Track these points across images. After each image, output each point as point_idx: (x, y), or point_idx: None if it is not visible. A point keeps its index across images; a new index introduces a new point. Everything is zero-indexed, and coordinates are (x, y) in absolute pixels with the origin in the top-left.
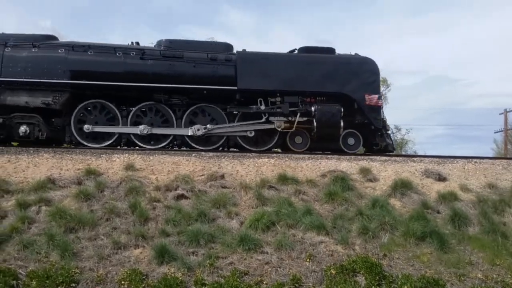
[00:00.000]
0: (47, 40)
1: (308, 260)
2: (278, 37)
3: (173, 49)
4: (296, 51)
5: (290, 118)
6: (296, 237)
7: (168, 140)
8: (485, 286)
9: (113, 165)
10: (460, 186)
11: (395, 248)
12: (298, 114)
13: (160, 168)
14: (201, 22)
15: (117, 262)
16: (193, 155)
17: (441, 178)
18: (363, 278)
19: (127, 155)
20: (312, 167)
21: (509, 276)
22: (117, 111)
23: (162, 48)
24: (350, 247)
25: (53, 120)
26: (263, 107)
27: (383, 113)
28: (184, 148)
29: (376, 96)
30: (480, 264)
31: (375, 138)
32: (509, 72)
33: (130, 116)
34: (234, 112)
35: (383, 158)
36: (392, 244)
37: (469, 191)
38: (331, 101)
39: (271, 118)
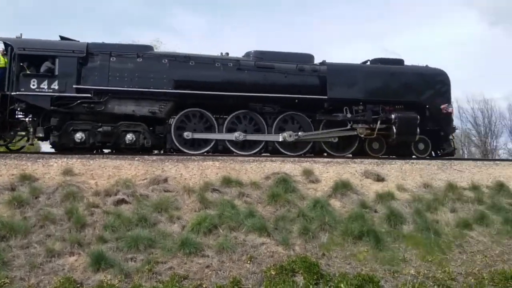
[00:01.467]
0: (147, 50)
1: (248, 262)
2: (230, 40)
3: (264, 60)
4: (368, 62)
5: (371, 125)
6: (238, 239)
7: (260, 146)
8: (417, 282)
9: (49, 170)
10: (397, 186)
11: (334, 247)
12: (379, 122)
13: (101, 172)
14: (150, 24)
15: (50, 270)
16: (136, 159)
17: (379, 179)
18: (302, 278)
19: (65, 159)
20: (256, 170)
21: (440, 271)
22: (213, 119)
23: (252, 59)
24: (290, 248)
25: (155, 128)
26: (348, 115)
27: (453, 120)
28: (267, 154)
29: (448, 105)
30: (413, 261)
31: (443, 144)
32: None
33: (225, 124)
34: (321, 119)
35: (326, 160)
36: (331, 244)
37: (405, 191)
38: (408, 109)
39: (354, 125)
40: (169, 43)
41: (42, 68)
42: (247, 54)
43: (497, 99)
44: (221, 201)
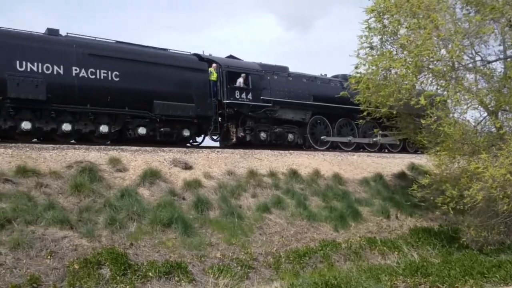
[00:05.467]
0: (288, 71)
1: (49, 257)
2: (24, 16)
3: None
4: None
5: None
6: (35, 233)
7: (354, 146)
8: (222, 264)
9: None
10: (204, 174)
11: (142, 236)
12: None
13: None
14: None
15: None
16: None
17: (187, 167)
18: (108, 269)
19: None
20: (57, 158)
21: (243, 253)
22: (329, 124)
23: (340, 79)
24: (96, 240)
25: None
26: None
27: None
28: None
29: None
30: (219, 245)
31: None
32: None
33: (335, 127)
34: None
35: (134, 148)
36: (139, 233)
37: (212, 178)
38: None
39: None
40: None
41: (237, 83)
42: (336, 76)
43: None
44: (15, 193)
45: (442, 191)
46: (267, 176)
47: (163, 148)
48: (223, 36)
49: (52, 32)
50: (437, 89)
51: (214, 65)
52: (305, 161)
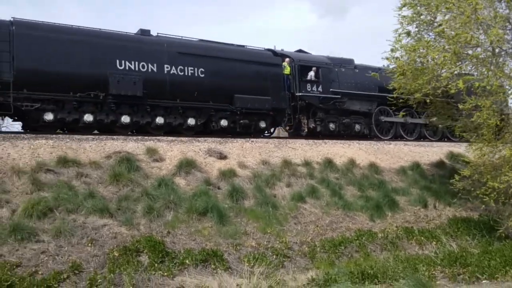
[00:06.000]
0: (353, 63)
1: (89, 245)
2: (62, 10)
3: None
4: None
5: None
6: (77, 222)
7: (416, 136)
8: (257, 253)
9: None
10: (239, 163)
11: (179, 224)
12: None
13: None
14: None
15: None
16: None
17: (222, 157)
18: (147, 257)
19: None
20: (96, 148)
21: (278, 242)
22: (392, 112)
23: None
24: (134, 228)
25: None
26: None
27: None
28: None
29: None
30: (254, 233)
31: None
32: None
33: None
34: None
35: (170, 138)
36: (176, 221)
37: (246, 168)
38: None
39: None
40: None
41: (308, 76)
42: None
43: None
44: (56, 183)
45: (484, 183)
46: (302, 165)
47: (198, 138)
48: (253, 26)
49: (144, 32)
50: (477, 76)
51: (287, 59)
52: (340, 150)
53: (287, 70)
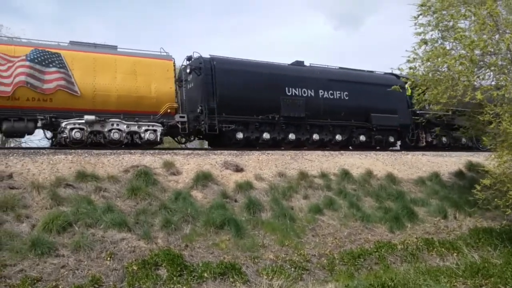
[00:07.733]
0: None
1: (108, 259)
2: (85, 28)
3: None
4: None
5: None
6: (95, 236)
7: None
8: (275, 266)
9: None
10: (255, 176)
11: (196, 238)
12: None
13: None
14: None
15: None
16: None
17: (238, 169)
18: (165, 270)
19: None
20: (114, 163)
21: (296, 254)
22: None
23: None
24: (152, 242)
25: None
26: None
27: None
28: None
29: None
30: (272, 246)
31: None
32: None
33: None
34: None
35: (187, 151)
36: (194, 235)
37: (263, 180)
38: None
39: None
40: (14, 26)
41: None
42: None
43: None
44: (75, 197)
45: (505, 192)
46: (318, 177)
47: (214, 151)
48: (269, 38)
49: (299, 63)
50: (496, 84)
51: (408, 82)
52: (356, 162)
53: (409, 92)
